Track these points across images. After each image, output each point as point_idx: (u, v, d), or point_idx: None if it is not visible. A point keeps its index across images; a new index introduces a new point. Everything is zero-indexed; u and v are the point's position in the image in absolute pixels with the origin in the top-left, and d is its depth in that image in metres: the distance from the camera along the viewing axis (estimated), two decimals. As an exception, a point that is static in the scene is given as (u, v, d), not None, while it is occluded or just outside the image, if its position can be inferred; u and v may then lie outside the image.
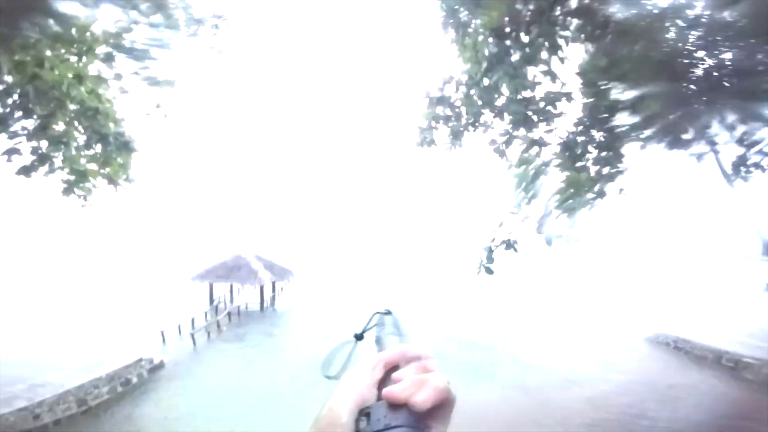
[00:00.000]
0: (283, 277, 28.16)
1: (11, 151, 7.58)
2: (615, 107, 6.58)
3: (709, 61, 5.67)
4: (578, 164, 8.47)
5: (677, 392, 15.29)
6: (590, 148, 8.33)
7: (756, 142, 5.77)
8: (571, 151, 8.20)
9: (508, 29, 6.33)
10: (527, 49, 6.42)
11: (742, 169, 6.44)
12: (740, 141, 5.87)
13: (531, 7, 5.96)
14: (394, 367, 0.53)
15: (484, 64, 7.58)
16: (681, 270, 48.98)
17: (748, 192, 7.04)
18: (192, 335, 20.34)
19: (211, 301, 26.73)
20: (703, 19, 5.48)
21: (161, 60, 8.12)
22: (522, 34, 6.34)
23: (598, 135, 7.59)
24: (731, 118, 5.81)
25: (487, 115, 9.19)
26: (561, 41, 6.21)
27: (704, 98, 5.71)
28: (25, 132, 7.03)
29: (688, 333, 21.70)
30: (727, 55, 5.58)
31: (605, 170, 8.56)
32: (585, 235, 8.60)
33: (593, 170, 8.63)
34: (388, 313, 0.70)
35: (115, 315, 24.58)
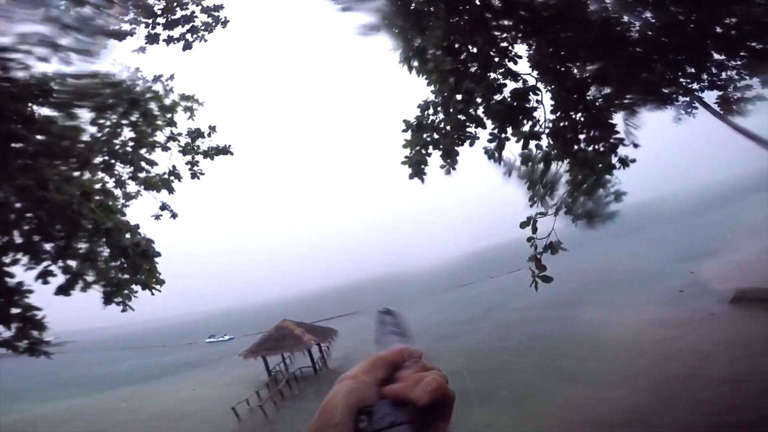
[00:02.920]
0: (326, 337, 28.16)
1: (45, 274, 8.15)
2: (581, 86, 6.54)
3: (637, 23, 5.68)
4: (574, 148, 8.31)
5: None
6: (578, 129, 8.19)
7: (731, 81, 5.59)
8: (561, 138, 8.07)
9: (456, 45, 6.57)
10: (479, 58, 6.60)
11: (733, 105, 6.16)
12: (712, 85, 5.69)
13: (466, 17, 6.19)
14: (396, 367, 0.53)
15: (451, 80, 7.82)
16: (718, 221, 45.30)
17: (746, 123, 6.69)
18: (261, 407, 20.70)
19: (269, 372, 27.18)
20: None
21: (153, 159, 8.66)
22: (470, 46, 6.56)
23: (577, 116, 7.48)
24: (689, 69, 5.71)
25: (471, 128, 9.26)
26: (504, 43, 6.37)
27: (655, 56, 5.64)
28: (49, 255, 7.51)
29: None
30: (647, 14, 5.58)
31: (600, 146, 8.33)
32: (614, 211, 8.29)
33: (590, 149, 8.43)
34: (389, 312, 0.70)
35: (182, 400, 25.32)
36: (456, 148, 9.30)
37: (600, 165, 7.89)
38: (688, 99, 6.18)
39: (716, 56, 5.69)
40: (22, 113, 4.61)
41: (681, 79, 5.98)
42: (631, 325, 20.26)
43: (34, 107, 5.07)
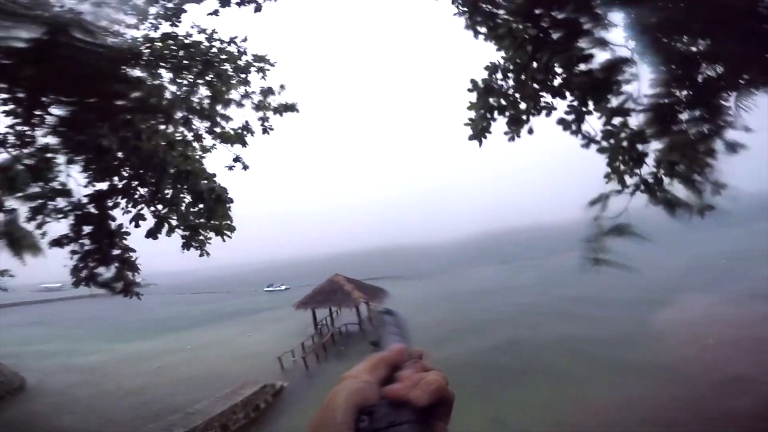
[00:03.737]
0: (375, 296, 28.97)
1: (138, 217, 9.19)
2: (690, 61, 5.68)
3: None
4: (675, 128, 7.49)
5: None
6: (680, 108, 7.32)
7: None
8: (659, 115, 7.27)
9: (537, 11, 5.96)
10: (566, 25, 5.94)
11: None
12: None
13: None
14: (396, 367, 0.54)
15: (529, 48, 7.22)
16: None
17: None
18: (303, 359, 22.07)
19: (315, 325, 28.66)
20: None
21: (228, 115, 9.18)
22: (554, 13, 5.91)
23: (682, 94, 6.59)
24: None
25: (546, 97, 8.67)
26: (598, 10, 5.63)
27: None
28: (143, 199, 8.47)
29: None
30: None
31: (705, 128, 7.41)
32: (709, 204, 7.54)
33: (693, 131, 7.55)
34: (389, 312, 0.70)
35: (238, 346, 28.00)
36: (528, 117, 8.87)
37: (702, 148, 7.04)
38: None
39: None
40: (120, 75, 5.10)
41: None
42: (697, 327, 18.67)
43: (128, 69, 5.57)
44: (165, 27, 7.50)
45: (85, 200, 7.37)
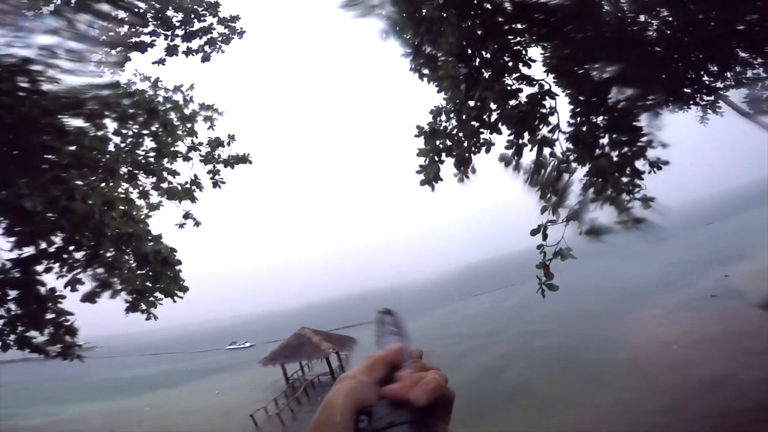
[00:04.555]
0: (344, 346, 28.06)
1: (74, 282, 8.43)
2: (601, 88, 6.42)
3: (654, 22, 5.53)
4: (597, 153, 8.15)
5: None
6: (599, 133, 8.04)
7: (758, 79, 5.35)
8: (581, 143, 7.93)
9: (469, 50, 6.56)
10: (492, 64, 6.58)
11: (762, 104, 5.89)
12: (738, 83, 5.47)
13: (479, 22, 6.20)
14: (395, 367, 0.53)
15: (463, 87, 7.80)
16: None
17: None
18: (278, 414, 20.91)
19: (287, 380, 27.39)
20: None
21: (175, 170, 8.85)
22: (483, 53, 6.55)
23: (599, 120, 7.32)
24: (712, 67, 5.51)
25: (485, 134, 9.19)
26: (518, 47, 6.31)
27: (675, 55, 5.47)
28: (79, 263, 7.79)
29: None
30: (665, 13, 5.44)
31: (626, 150, 8.15)
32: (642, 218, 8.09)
33: (615, 154, 8.25)
34: (388, 312, 0.69)
35: (204, 406, 25.68)
36: (470, 155, 9.25)
37: (628, 169, 7.68)
38: (712, 98, 5.97)
39: (741, 54, 5.48)
40: (54, 125, 4.86)
41: (704, 78, 5.78)
42: (660, 333, 19.68)
43: (65, 119, 5.32)
44: (107, 76, 7.35)
45: (9, 264, 6.66)
